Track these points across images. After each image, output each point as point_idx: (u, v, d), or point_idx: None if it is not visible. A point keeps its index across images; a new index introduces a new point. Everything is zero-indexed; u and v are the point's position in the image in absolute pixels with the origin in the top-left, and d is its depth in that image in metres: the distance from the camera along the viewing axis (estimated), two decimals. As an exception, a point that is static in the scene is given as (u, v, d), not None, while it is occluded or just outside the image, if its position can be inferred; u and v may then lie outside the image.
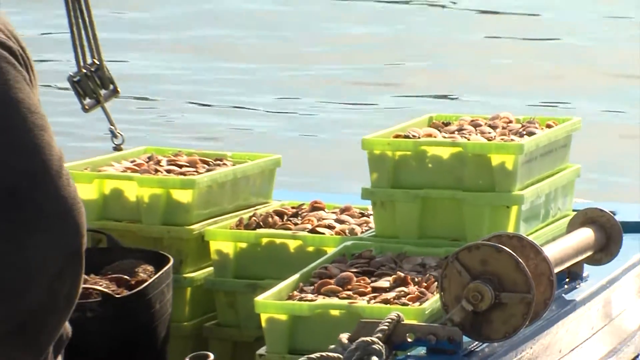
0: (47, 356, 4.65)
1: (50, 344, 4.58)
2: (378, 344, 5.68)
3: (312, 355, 5.72)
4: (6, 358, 4.49)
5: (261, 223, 7.38)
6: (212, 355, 6.38)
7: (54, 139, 4.54)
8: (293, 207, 7.67)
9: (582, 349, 7.00)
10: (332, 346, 5.81)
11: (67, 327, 4.79)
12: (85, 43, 8.52)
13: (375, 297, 6.35)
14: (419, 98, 17.64)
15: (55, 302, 4.51)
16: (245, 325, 6.95)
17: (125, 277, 6.78)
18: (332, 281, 6.50)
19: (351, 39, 27.95)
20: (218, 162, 7.84)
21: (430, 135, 7.15)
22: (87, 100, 8.35)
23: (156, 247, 7.15)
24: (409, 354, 5.92)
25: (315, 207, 7.57)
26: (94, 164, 7.70)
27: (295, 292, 6.47)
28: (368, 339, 5.70)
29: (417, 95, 19.47)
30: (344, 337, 5.80)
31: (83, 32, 8.43)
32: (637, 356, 7.70)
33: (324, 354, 5.76)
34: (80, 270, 4.52)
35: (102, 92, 8.40)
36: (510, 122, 7.43)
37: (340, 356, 5.72)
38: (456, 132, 7.22)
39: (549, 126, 7.46)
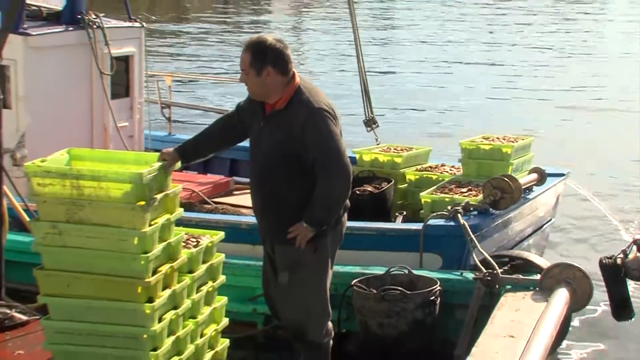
0: (338, 216, 4.46)
1: (338, 212, 4.40)
2: (461, 209, 5.85)
3: (439, 213, 5.92)
4: (321, 220, 4.35)
5: (423, 170, 7.19)
6: (405, 212, 6.65)
7: (343, 144, 4.35)
8: (435, 165, 7.35)
9: (531, 215, 6.87)
10: (445, 210, 5.93)
11: (348, 204, 4.52)
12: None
13: (461, 194, 6.40)
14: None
15: (342, 199, 4.37)
16: (419, 203, 6.55)
17: (378, 186, 6.73)
18: (446, 189, 6.56)
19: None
20: (410, 149, 7.41)
21: (483, 141, 6.97)
22: (368, 128, 7.97)
23: (389, 176, 6.94)
24: (471, 214, 5.96)
25: (443, 165, 7.31)
26: (366, 150, 7.38)
27: (433, 192, 6.49)
28: (457, 207, 5.87)
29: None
30: (449, 207, 5.93)
31: (366, 97, 8.00)
32: (550, 220, 7.37)
33: (443, 212, 5.90)
34: (349, 189, 4.39)
35: (374, 125, 8.00)
36: (510, 138, 7.05)
37: (447, 214, 5.84)
38: (491, 140, 6.98)
39: (522, 139, 7.07)
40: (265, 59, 4.33)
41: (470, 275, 5.27)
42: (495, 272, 5.16)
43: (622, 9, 33.93)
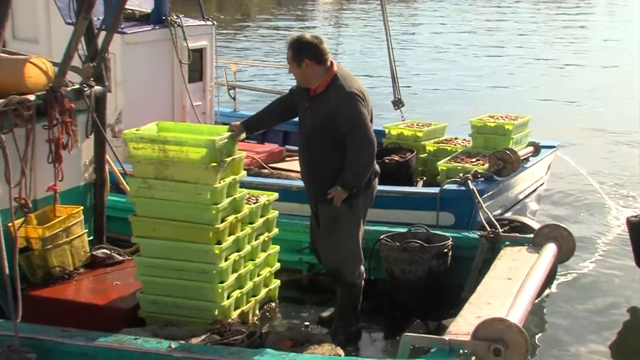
0: (369, 181, 4.39)
1: (365, 178, 4.31)
2: (470, 176, 5.78)
3: (452, 179, 5.87)
4: (351, 184, 4.28)
5: (440, 142, 7.03)
6: (425, 177, 6.55)
7: (369, 122, 4.24)
8: (450, 138, 7.18)
9: (528, 180, 6.74)
10: (457, 177, 5.90)
11: (377, 169, 4.47)
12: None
13: (471, 164, 6.33)
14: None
15: (368, 167, 4.29)
16: (436, 170, 6.43)
17: (403, 155, 6.67)
18: (459, 159, 6.50)
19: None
20: (430, 125, 7.26)
21: (489, 119, 6.80)
22: (396, 107, 7.85)
23: (412, 147, 6.81)
24: (478, 181, 5.87)
25: (456, 138, 7.15)
26: (394, 126, 7.26)
27: (448, 162, 6.43)
28: (468, 175, 5.81)
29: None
30: (461, 174, 5.89)
31: (394, 82, 7.85)
32: (542, 184, 7.15)
33: (456, 178, 5.85)
34: (373, 159, 4.32)
35: (400, 105, 7.88)
36: (512, 117, 6.87)
37: (460, 180, 5.80)
38: (496, 118, 6.81)
39: (521, 117, 6.86)
40: (303, 53, 4.31)
41: (476, 234, 5.21)
42: (497, 230, 5.12)
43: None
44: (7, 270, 3.66)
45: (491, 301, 3.98)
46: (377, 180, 4.56)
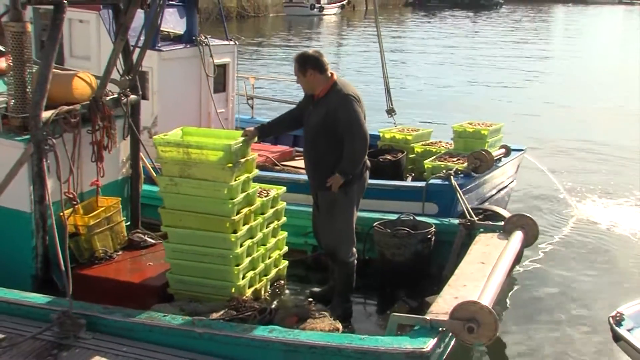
0: (361, 170, 4.29)
1: (359, 166, 4.24)
2: (452, 173, 5.68)
3: (437, 175, 5.73)
4: (347, 170, 4.18)
5: (426, 145, 6.89)
6: (413, 173, 6.46)
7: (364, 123, 4.16)
8: (435, 141, 7.02)
9: (500, 177, 6.62)
10: (441, 173, 5.82)
11: (368, 164, 4.38)
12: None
13: (452, 162, 6.20)
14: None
15: (362, 157, 4.22)
16: (423, 168, 6.28)
17: (395, 155, 6.50)
18: (442, 159, 6.36)
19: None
20: (418, 130, 7.12)
21: (468, 125, 6.69)
22: (389, 115, 7.75)
23: (403, 148, 6.71)
24: (459, 177, 5.78)
25: (440, 141, 6.99)
26: (387, 130, 7.13)
27: (433, 161, 6.30)
28: (450, 171, 5.71)
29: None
30: (444, 171, 5.81)
31: (387, 93, 7.68)
32: (512, 180, 7.04)
33: (439, 174, 5.76)
34: (366, 150, 4.22)
35: (393, 113, 7.82)
36: (487, 124, 6.78)
37: (443, 176, 5.71)
38: (474, 125, 6.71)
39: (495, 125, 6.78)
40: (307, 64, 4.29)
41: (455, 221, 5.13)
42: (473, 219, 5.04)
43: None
44: (60, 252, 3.68)
45: (467, 283, 3.91)
46: (368, 172, 4.46)
